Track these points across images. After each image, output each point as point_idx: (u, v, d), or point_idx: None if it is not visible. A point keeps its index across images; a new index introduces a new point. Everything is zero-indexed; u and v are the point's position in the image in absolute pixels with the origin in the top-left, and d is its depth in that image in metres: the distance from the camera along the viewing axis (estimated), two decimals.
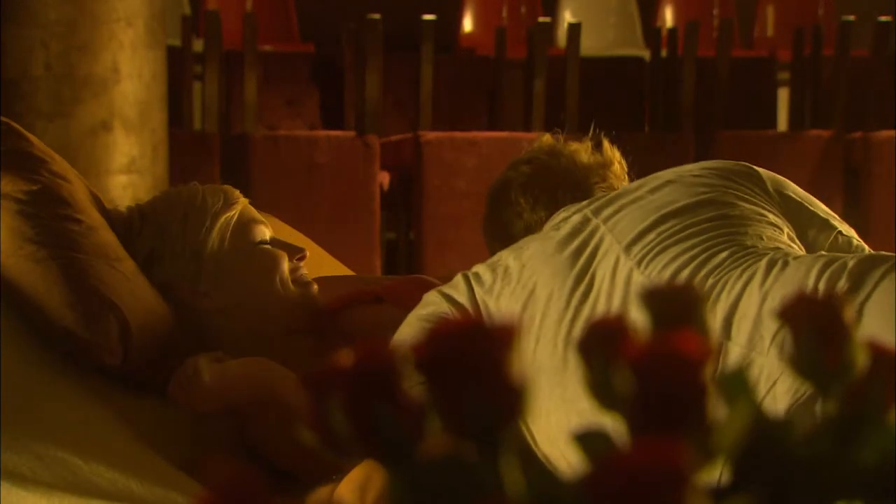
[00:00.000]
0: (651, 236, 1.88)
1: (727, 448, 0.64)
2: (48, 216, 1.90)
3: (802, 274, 1.69)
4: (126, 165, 4.39)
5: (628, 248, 1.88)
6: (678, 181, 1.97)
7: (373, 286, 2.17)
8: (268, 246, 2.04)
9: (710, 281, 1.77)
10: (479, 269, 1.95)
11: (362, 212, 5.40)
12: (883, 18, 5.89)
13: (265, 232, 2.06)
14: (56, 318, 1.86)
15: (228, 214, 2.03)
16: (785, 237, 1.87)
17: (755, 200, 1.93)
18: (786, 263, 1.73)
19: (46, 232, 1.88)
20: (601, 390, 0.67)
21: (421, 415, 0.63)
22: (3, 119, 1.98)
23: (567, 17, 6.83)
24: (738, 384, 0.67)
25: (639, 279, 1.83)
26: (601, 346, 0.67)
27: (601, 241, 1.92)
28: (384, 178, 5.63)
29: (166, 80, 4.54)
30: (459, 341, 0.62)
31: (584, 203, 2.03)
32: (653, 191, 1.96)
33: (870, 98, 5.88)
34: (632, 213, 1.94)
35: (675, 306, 0.71)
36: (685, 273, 1.80)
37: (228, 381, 1.89)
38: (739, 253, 1.79)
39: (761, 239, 1.83)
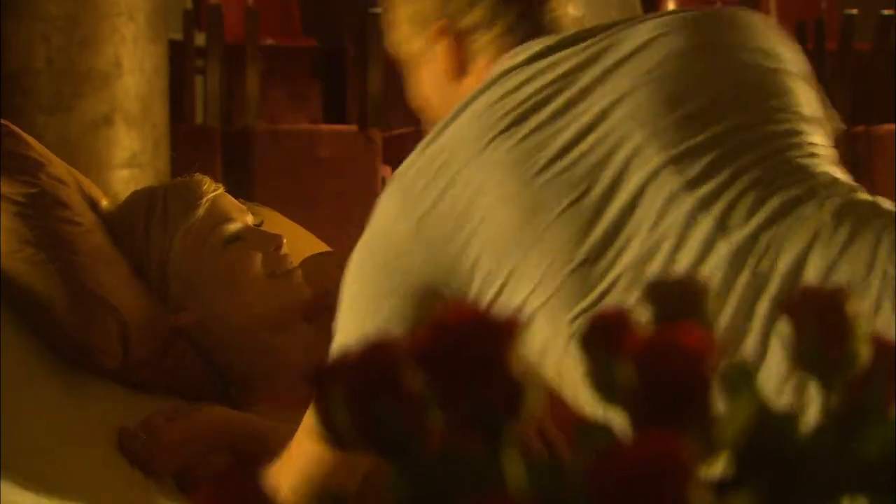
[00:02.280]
0: (699, 141, 1.49)
1: (729, 441, 0.64)
2: (46, 219, 1.88)
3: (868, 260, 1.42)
4: (127, 160, 4.39)
5: (678, 162, 1.48)
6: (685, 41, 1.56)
7: None
8: (237, 244, 1.96)
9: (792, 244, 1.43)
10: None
11: (364, 206, 5.39)
12: (885, 12, 5.88)
13: (232, 228, 1.97)
14: (55, 320, 1.84)
15: (190, 221, 1.96)
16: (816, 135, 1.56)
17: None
18: (855, 233, 1.44)
19: (45, 234, 1.86)
20: (603, 383, 0.67)
21: (423, 409, 0.63)
22: (2, 122, 1.98)
23: (570, 10, 6.82)
24: (741, 377, 0.67)
25: (709, 229, 1.45)
26: (602, 339, 0.67)
27: (621, 137, 1.50)
28: (387, 173, 5.62)
29: (168, 74, 4.54)
30: (461, 334, 0.62)
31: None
32: (667, 62, 1.53)
33: (872, 92, 5.88)
34: (643, 91, 1.53)
35: (679, 298, 0.70)
36: (770, 234, 1.44)
37: (188, 435, 1.84)
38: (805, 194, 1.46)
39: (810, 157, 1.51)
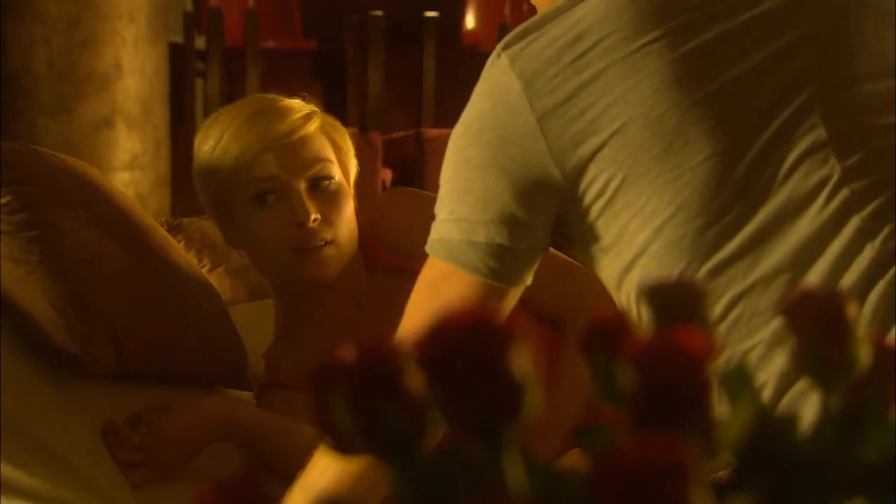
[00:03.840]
0: (865, 133, 1.35)
1: (730, 444, 0.64)
2: (16, 227, 1.83)
3: None
4: (128, 162, 4.39)
5: (842, 150, 1.34)
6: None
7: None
8: (261, 207, 1.90)
9: None
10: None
11: (364, 209, 5.39)
12: None
13: (262, 187, 1.89)
14: (45, 333, 1.80)
15: (234, 165, 1.89)
16: None
17: None
18: None
19: (18, 246, 1.82)
20: (604, 386, 0.67)
21: (424, 411, 0.63)
22: None
23: None
24: (740, 380, 0.67)
25: (856, 230, 1.32)
26: (604, 342, 0.67)
27: (792, 90, 1.35)
28: (386, 175, 5.63)
29: (168, 76, 4.55)
30: (462, 337, 0.62)
31: None
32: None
33: None
34: (837, 53, 1.36)
35: (679, 302, 0.70)
36: None
37: (187, 427, 1.82)
38: None
39: None
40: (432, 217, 1.45)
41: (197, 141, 1.96)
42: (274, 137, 1.90)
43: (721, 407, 0.63)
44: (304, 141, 1.92)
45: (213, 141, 1.93)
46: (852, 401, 0.68)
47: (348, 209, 1.94)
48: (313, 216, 1.88)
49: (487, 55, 1.48)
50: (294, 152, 1.91)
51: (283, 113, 1.92)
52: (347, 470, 1.46)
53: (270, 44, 6.80)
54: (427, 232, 1.46)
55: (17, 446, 1.66)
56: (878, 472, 0.65)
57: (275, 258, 1.92)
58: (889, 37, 1.39)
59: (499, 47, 1.40)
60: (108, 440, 1.80)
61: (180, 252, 2.09)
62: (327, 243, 1.90)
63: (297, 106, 1.95)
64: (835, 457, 0.65)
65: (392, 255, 1.99)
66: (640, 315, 1.32)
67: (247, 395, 2.08)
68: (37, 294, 1.81)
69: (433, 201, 1.47)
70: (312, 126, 1.94)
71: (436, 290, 1.44)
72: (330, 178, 1.92)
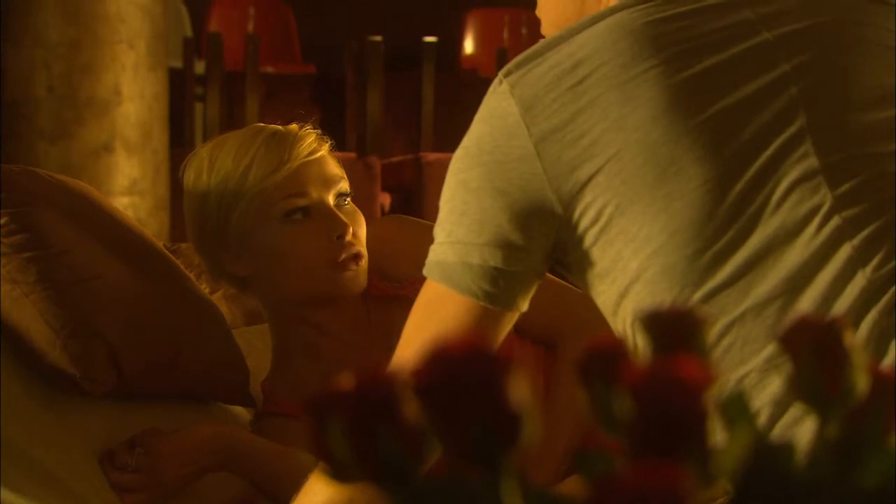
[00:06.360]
0: (859, 162, 1.36)
1: (727, 472, 0.64)
2: (13, 248, 1.83)
3: None
4: (127, 187, 4.40)
5: (833, 179, 1.35)
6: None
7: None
8: (297, 222, 1.89)
9: None
10: None
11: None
12: None
13: (300, 202, 1.89)
14: (42, 354, 1.80)
15: (262, 186, 1.88)
16: None
17: None
18: None
19: (15, 267, 1.82)
20: (601, 413, 0.67)
21: (421, 437, 0.63)
22: None
23: None
24: (738, 408, 0.67)
25: (847, 254, 1.34)
26: (601, 369, 0.67)
27: (797, 137, 1.35)
28: (385, 200, 5.63)
29: (168, 101, 4.56)
30: (459, 365, 0.62)
31: None
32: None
33: None
34: (832, 84, 1.38)
35: (677, 330, 0.71)
36: None
37: (182, 449, 1.81)
38: None
39: None
40: (424, 243, 1.45)
41: (192, 174, 1.94)
42: (299, 156, 1.92)
43: (718, 434, 0.63)
44: (326, 159, 1.95)
45: (230, 167, 1.91)
46: (850, 428, 0.68)
47: (365, 226, 1.96)
48: (351, 229, 1.90)
49: (486, 80, 1.48)
50: (320, 169, 1.93)
51: (300, 135, 1.94)
52: (339, 494, 1.47)
53: (270, 68, 6.82)
54: (418, 258, 1.46)
55: (15, 469, 1.66)
56: (877, 499, 0.65)
57: (307, 275, 1.90)
58: (884, 69, 1.41)
59: (500, 74, 1.42)
60: (104, 464, 1.80)
61: (181, 270, 2.08)
62: (360, 255, 1.91)
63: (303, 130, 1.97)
64: (832, 484, 0.65)
65: (383, 281, 1.98)
66: (636, 342, 1.32)
67: (246, 413, 2.07)
68: (34, 315, 1.81)
69: (424, 227, 1.46)
70: (326, 146, 1.97)
71: (431, 313, 1.45)
72: (349, 195, 1.95)
